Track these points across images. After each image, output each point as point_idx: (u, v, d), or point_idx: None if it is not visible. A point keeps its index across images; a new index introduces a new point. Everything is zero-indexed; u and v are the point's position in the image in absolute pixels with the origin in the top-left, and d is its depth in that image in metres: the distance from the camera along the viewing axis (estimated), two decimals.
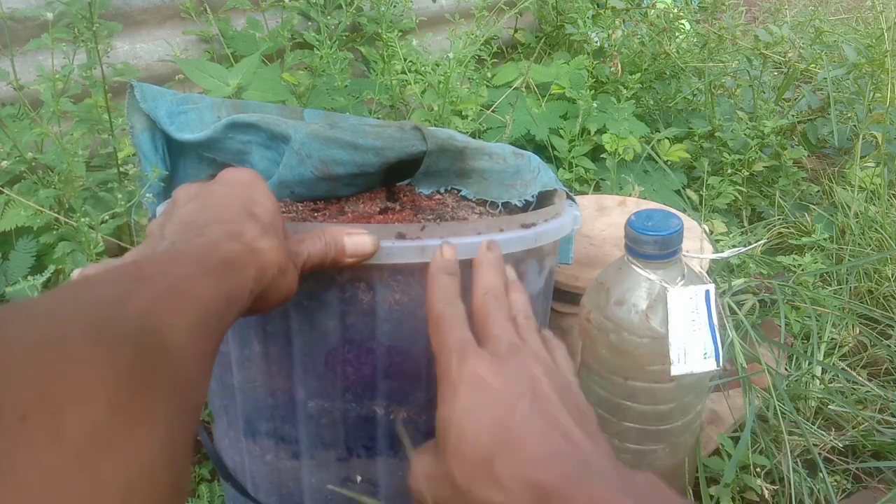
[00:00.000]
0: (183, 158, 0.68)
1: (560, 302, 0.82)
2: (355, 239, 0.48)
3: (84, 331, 0.25)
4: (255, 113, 0.73)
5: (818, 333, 0.97)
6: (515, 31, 1.73)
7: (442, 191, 0.67)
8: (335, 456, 0.58)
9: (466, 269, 0.54)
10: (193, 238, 0.38)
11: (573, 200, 0.67)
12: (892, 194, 1.33)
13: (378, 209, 0.63)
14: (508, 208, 0.66)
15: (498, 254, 0.49)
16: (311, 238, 0.47)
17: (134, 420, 0.24)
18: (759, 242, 1.16)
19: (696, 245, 0.88)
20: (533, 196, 0.65)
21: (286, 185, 0.61)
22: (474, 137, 1.19)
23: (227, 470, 0.65)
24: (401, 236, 0.51)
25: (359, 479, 0.58)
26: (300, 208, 0.62)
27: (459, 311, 0.44)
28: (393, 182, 0.66)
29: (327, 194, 0.63)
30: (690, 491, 0.70)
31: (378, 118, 1.12)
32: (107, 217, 0.77)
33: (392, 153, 0.60)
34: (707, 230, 0.96)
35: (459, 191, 0.67)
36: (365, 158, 0.60)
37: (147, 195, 0.66)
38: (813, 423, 0.84)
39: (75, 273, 0.45)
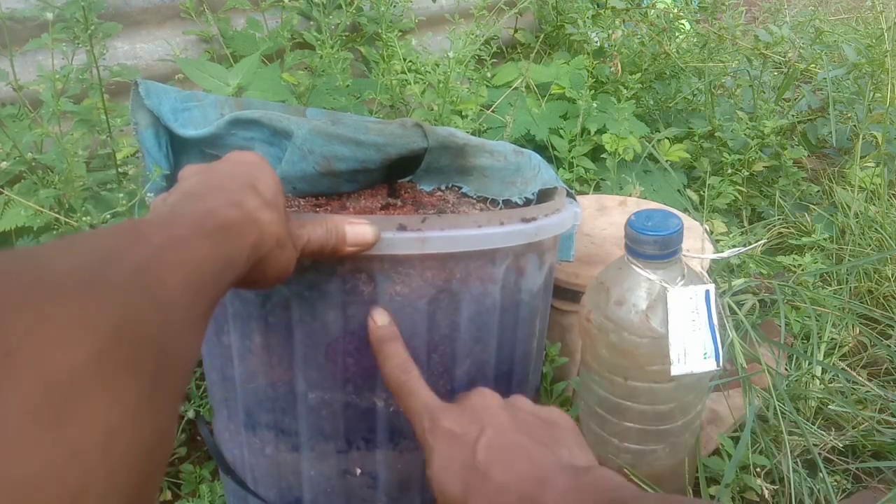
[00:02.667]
0: (186, 155, 0.68)
1: (560, 299, 0.82)
2: (357, 228, 0.48)
3: (76, 278, 0.26)
4: (257, 110, 0.74)
5: (818, 333, 0.97)
6: (515, 31, 1.73)
7: (443, 188, 0.67)
8: (335, 448, 0.58)
9: (461, 260, 0.54)
10: (193, 203, 0.39)
11: (573, 198, 0.67)
12: (892, 194, 1.33)
13: (379, 205, 0.63)
14: (509, 206, 0.66)
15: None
16: (312, 224, 0.47)
17: (119, 366, 0.25)
18: (759, 242, 1.16)
19: (697, 245, 0.88)
20: (533, 194, 0.66)
21: (288, 181, 0.61)
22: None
23: (226, 463, 0.65)
24: (402, 228, 0.51)
25: (358, 471, 0.58)
26: (302, 203, 0.63)
27: (415, 375, 0.49)
28: (394, 179, 0.66)
29: (329, 190, 0.63)
30: (690, 491, 0.70)
31: (379, 118, 1.12)
32: (108, 216, 0.77)
33: (394, 149, 0.60)
34: (708, 230, 0.96)
35: (460, 188, 0.67)
36: (367, 154, 0.60)
37: (149, 194, 0.66)
38: (813, 423, 0.84)
39: None
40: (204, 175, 0.44)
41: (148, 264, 0.29)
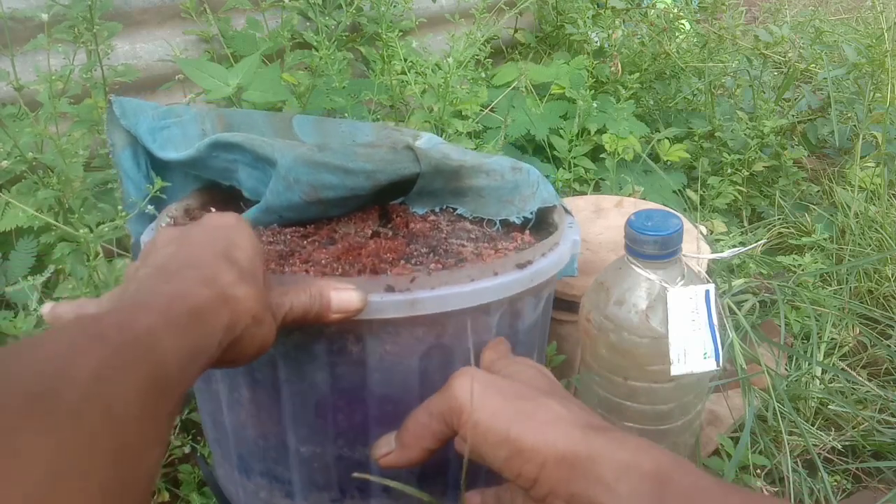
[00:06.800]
0: (168, 173, 0.66)
1: (556, 310, 0.82)
2: (342, 294, 0.46)
3: (23, 399, 0.25)
4: (241, 122, 0.70)
5: (818, 333, 0.97)
6: (515, 31, 1.73)
7: (437, 210, 0.65)
8: (329, 497, 0.56)
9: (453, 315, 0.51)
10: (162, 285, 0.37)
11: (570, 214, 0.66)
12: (892, 194, 1.33)
13: (370, 231, 0.61)
14: (506, 225, 0.64)
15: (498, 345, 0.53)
16: (295, 290, 0.45)
17: (71, 490, 0.24)
18: (759, 242, 1.16)
19: (691, 247, 0.88)
20: (532, 213, 0.64)
21: (274, 211, 0.59)
22: (473, 138, 1.19)
23: (223, 497, 0.64)
24: (390, 289, 0.49)
25: None
26: (288, 237, 0.60)
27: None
28: (386, 200, 0.64)
29: (317, 216, 0.62)
30: None
31: (377, 118, 1.12)
32: (106, 229, 0.76)
33: (384, 176, 0.58)
34: (703, 232, 0.96)
35: (455, 209, 0.65)
36: (356, 182, 0.58)
37: (135, 231, 0.63)
38: (813, 424, 0.84)
39: (44, 308, 0.44)
40: (177, 246, 0.42)
41: (103, 372, 0.28)
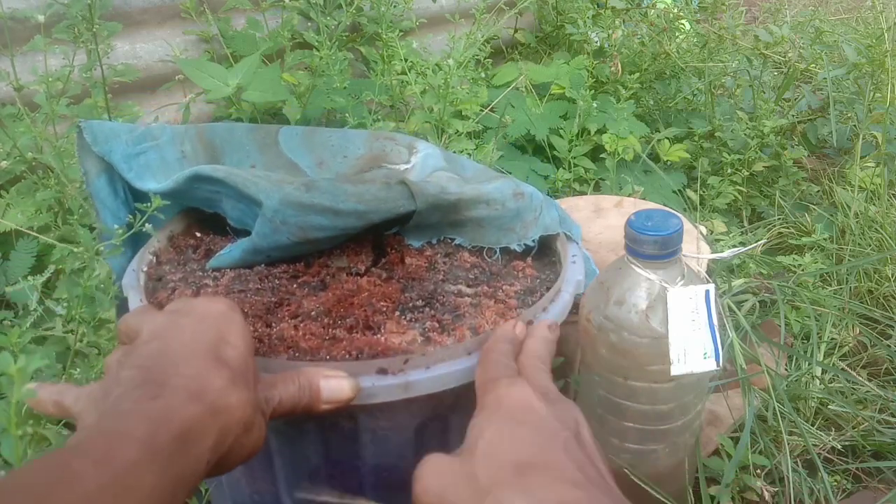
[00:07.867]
0: (148, 196, 0.63)
1: None
2: (332, 383, 0.44)
3: None
4: (222, 139, 0.68)
5: (818, 333, 0.97)
6: (515, 31, 1.73)
7: (434, 241, 0.63)
8: None
9: (460, 394, 0.49)
10: (146, 401, 0.35)
11: (574, 241, 0.64)
12: (892, 194, 1.33)
13: (364, 268, 0.60)
14: (506, 253, 0.63)
15: (547, 330, 0.51)
16: (283, 381, 0.44)
17: None
18: (759, 242, 1.16)
19: (692, 247, 0.88)
20: (534, 241, 0.62)
21: (261, 252, 0.58)
22: (473, 138, 1.19)
23: None
24: (382, 372, 0.47)
25: None
26: (277, 281, 0.58)
27: (510, 357, 0.47)
28: (380, 230, 0.62)
29: (307, 252, 0.60)
30: (690, 491, 0.70)
31: (378, 118, 1.12)
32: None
33: (377, 216, 0.56)
34: (703, 232, 0.96)
35: (453, 239, 0.63)
36: (346, 223, 0.56)
37: (108, 258, 0.60)
38: (813, 424, 0.84)
39: (30, 387, 0.42)
40: (163, 341, 0.40)
41: None
